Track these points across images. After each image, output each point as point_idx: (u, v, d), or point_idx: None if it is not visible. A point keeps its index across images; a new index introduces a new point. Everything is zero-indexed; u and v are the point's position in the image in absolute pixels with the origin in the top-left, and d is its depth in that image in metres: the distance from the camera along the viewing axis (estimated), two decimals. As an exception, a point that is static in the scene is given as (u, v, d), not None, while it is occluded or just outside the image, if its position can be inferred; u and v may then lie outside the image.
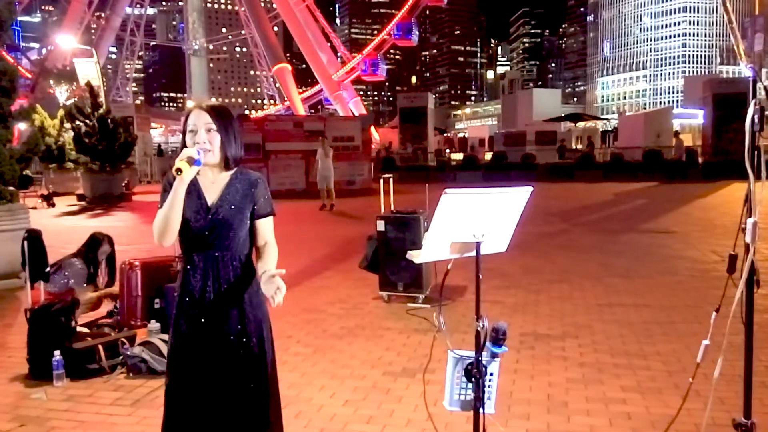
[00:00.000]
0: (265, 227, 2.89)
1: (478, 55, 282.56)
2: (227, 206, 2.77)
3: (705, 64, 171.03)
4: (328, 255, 10.80)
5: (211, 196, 2.79)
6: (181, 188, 2.61)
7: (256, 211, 2.83)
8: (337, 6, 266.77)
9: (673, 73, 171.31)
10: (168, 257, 6.44)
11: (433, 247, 2.77)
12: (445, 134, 58.20)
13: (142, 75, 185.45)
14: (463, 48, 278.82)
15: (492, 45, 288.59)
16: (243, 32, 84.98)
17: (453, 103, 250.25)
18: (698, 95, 34.46)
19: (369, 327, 6.53)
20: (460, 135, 68.45)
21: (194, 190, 2.73)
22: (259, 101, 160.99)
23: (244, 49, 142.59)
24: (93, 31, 76.96)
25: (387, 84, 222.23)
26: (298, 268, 9.66)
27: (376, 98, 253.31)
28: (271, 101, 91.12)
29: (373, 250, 7.56)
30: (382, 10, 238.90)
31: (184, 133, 2.78)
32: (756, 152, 2.83)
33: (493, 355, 2.81)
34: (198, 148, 2.67)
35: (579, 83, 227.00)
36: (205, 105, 2.80)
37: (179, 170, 2.54)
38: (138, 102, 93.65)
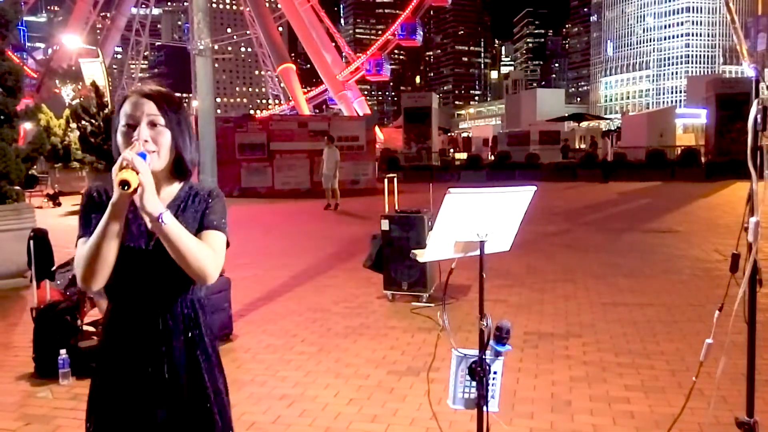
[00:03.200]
0: (209, 243, 2.05)
1: (482, 55, 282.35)
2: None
3: (708, 63, 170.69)
4: (332, 254, 10.82)
5: None
6: (122, 210, 1.88)
7: (202, 222, 2.09)
8: (341, 6, 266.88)
9: (676, 73, 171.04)
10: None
11: (437, 247, 2.79)
12: (449, 134, 58.11)
13: (147, 75, 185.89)
14: (467, 48, 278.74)
15: (496, 45, 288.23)
16: (248, 32, 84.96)
17: (457, 103, 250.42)
18: (701, 95, 34.39)
19: (373, 326, 6.55)
20: (464, 135, 68.38)
21: (129, 209, 1.94)
22: (263, 101, 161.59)
23: (249, 49, 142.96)
24: (98, 31, 76.94)
25: (391, 84, 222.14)
26: (303, 267, 9.68)
27: (380, 98, 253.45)
28: (276, 101, 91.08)
29: (378, 249, 7.58)
30: (386, 11, 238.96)
31: (115, 131, 2.05)
32: (759, 152, 2.84)
33: (497, 354, 2.82)
34: (141, 150, 1.92)
35: (582, 83, 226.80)
36: (149, 89, 2.07)
37: (125, 184, 1.79)
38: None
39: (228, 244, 2.13)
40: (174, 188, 2.14)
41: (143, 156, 1.89)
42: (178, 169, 2.13)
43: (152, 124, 2.02)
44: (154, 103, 2.03)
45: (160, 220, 1.87)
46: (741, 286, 2.91)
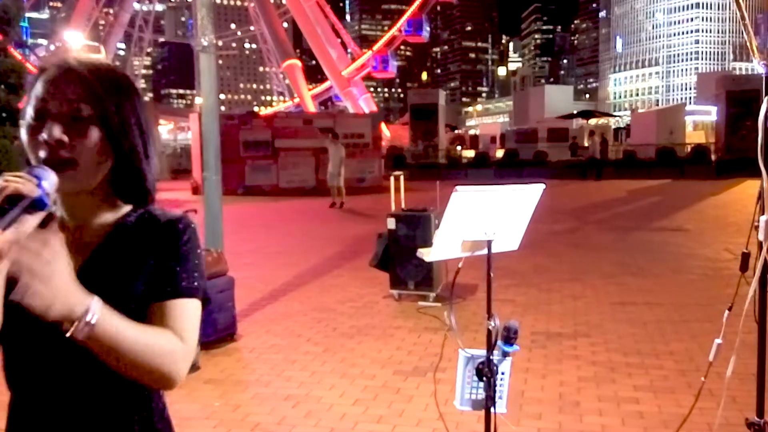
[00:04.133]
0: (176, 316, 1.30)
1: (490, 51, 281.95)
2: (104, 288, 1.23)
3: (718, 60, 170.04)
4: (338, 253, 10.80)
5: (75, 260, 1.26)
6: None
7: (160, 285, 1.31)
8: (347, 2, 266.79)
9: (686, 70, 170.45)
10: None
11: (444, 245, 2.75)
12: (456, 131, 58.08)
13: (150, 71, 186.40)
14: (474, 44, 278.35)
15: (503, 41, 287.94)
16: (252, 28, 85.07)
17: (464, 99, 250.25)
18: (711, 92, 34.30)
19: (379, 326, 6.52)
20: (471, 132, 68.33)
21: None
22: (268, 98, 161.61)
23: (254, 46, 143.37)
24: (101, 27, 77.28)
25: (398, 80, 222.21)
26: (308, 266, 9.66)
27: (386, 95, 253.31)
28: (281, 98, 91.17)
29: (384, 248, 7.54)
30: (392, 6, 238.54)
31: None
32: (770, 149, 2.80)
33: (505, 354, 2.79)
34: (39, 172, 1.15)
35: (591, 80, 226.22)
36: (75, 60, 1.32)
37: None
38: (146, 99, 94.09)
39: (207, 302, 1.41)
40: (110, 218, 1.36)
41: (40, 184, 1.11)
42: (123, 189, 1.34)
43: (71, 118, 1.25)
44: (80, 82, 1.27)
45: (82, 323, 1.13)
46: (751, 285, 2.87)
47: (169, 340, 1.26)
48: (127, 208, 1.37)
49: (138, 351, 1.20)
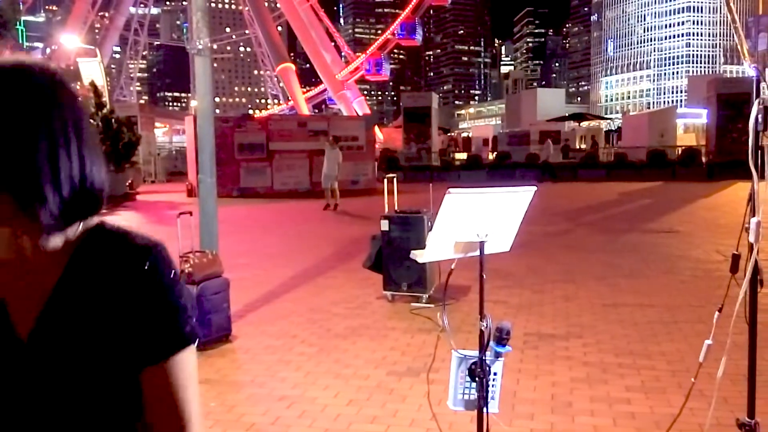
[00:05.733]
0: (171, 384, 1.09)
1: (482, 54, 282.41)
2: (64, 337, 1.05)
3: (709, 63, 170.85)
4: (332, 255, 10.81)
5: (23, 317, 1.06)
6: None
7: (144, 346, 1.07)
8: (341, 5, 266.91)
9: (677, 73, 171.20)
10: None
11: (437, 247, 2.78)
12: (449, 134, 58.11)
13: (146, 74, 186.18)
14: (467, 47, 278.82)
15: (496, 44, 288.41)
16: (247, 32, 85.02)
17: (457, 102, 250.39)
18: (702, 95, 34.44)
19: (373, 327, 6.54)
20: (464, 135, 68.40)
21: None
22: (263, 101, 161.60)
23: (248, 49, 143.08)
24: (97, 30, 77.05)
25: (391, 84, 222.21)
26: (302, 267, 9.67)
27: (379, 98, 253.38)
28: (275, 101, 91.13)
29: (377, 249, 7.57)
30: (385, 10, 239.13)
31: None
32: (759, 152, 2.83)
33: (497, 355, 2.82)
34: None
35: (583, 83, 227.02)
36: None
37: None
38: (142, 101, 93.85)
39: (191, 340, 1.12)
40: (56, 241, 1.08)
41: None
42: (54, 218, 1.03)
43: None
44: None
45: None
46: (742, 286, 2.90)
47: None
48: (77, 227, 1.09)
49: None
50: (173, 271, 1.12)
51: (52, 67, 1.08)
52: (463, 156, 39.57)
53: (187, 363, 1.10)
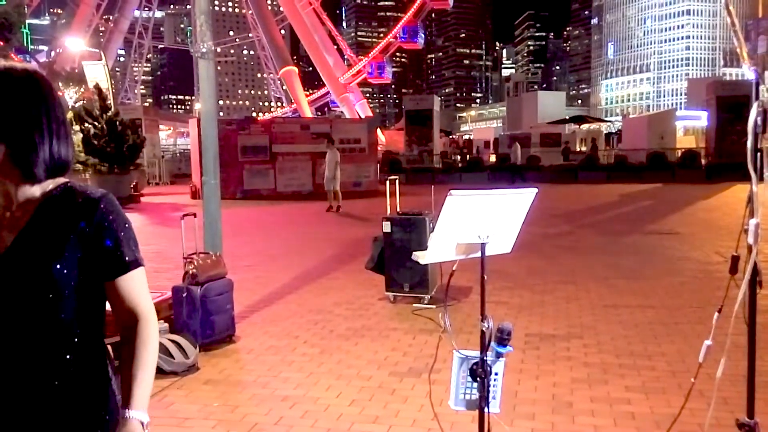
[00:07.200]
0: (130, 290, 1.57)
1: (484, 57, 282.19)
2: (30, 254, 1.48)
3: (708, 66, 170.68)
4: (334, 256, 10.84)
5: (4, 241, 1.51)
6: None
7: (105, 265, 1.54)
8: (343, 9, 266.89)
9: (677, 76, 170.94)
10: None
11: (439, 248, 2.80)
12: (450, 136, 58.14)
13: (150, 77, 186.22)
14: (468, 51, 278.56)
15: (497, 48, 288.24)
16: (250, 35, 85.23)
17: (458, 105, 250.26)
18: (701, 97, 34.47)
19: (375, 327, 6.57)
20: (465, 137, 68.41)
21: None
22: (266, 104, 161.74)
23: (252, 52, 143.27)
24: (101, 33, 77.30)
25: (393, 86, 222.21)
26: (305, 269, 9.70)
27: (382, 100, 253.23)
28: (279, 103, 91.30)
29: (379, 251, 7.60)
30: (388, 13, 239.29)
31: None
32: (758, 154, 2.86)
33: (498, 355, 2.84)
34: None
35: (583, 86, 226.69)
36: None
37: None
38: (146, 104, 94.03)
39: (141, 263, 1.64)
40: (32, 192, 1.55)
41: None
42: (27, 169, 1.52)
43: None
44: None
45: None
46: (741, 287, 2.93)
47: (147, 347, 1.57)
48: (49, 183, 1.56)
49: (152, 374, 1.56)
50: (119, 215, 1.56)
51: (36, 70, 1.55)
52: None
53: (136, 280, 1.57)
